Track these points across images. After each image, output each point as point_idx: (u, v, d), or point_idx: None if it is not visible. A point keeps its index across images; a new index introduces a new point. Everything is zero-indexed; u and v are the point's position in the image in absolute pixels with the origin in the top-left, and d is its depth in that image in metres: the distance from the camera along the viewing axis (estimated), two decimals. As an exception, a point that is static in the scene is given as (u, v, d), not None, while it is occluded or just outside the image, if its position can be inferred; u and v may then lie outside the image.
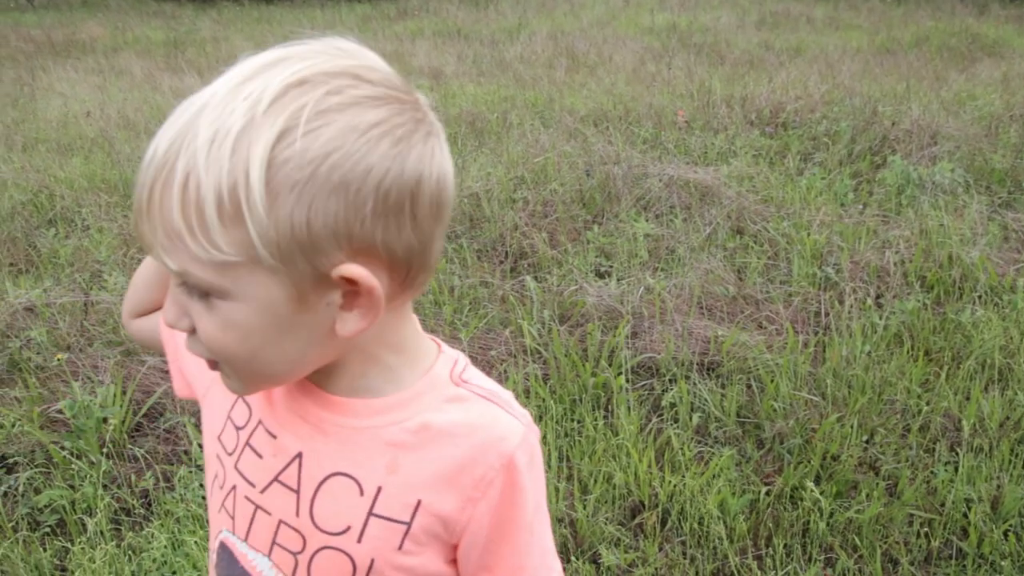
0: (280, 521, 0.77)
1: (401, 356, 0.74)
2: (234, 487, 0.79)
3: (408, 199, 0.62)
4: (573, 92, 6.65)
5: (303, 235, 0.60)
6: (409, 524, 0.73)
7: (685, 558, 2.17)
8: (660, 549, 2.20)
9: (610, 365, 2.86)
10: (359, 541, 0.74)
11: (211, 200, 0.58)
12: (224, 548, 0.81)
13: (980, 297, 3.37)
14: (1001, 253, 3.74)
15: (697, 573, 2.13)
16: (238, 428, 0.80)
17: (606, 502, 2.32)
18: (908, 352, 2.97)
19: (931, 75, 7.02)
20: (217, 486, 0.82)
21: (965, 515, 2.29)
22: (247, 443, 0.79)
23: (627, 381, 2.79)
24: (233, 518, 0.80)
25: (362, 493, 0.73)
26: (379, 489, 0.73)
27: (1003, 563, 2.13)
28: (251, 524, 0.78)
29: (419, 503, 0.73)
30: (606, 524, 2.23)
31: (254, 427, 0.79)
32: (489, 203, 4.13)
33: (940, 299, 3.38)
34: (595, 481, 2.36)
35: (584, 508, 2.26)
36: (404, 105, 0.64)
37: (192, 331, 0.67)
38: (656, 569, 2.12)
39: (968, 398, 2.74)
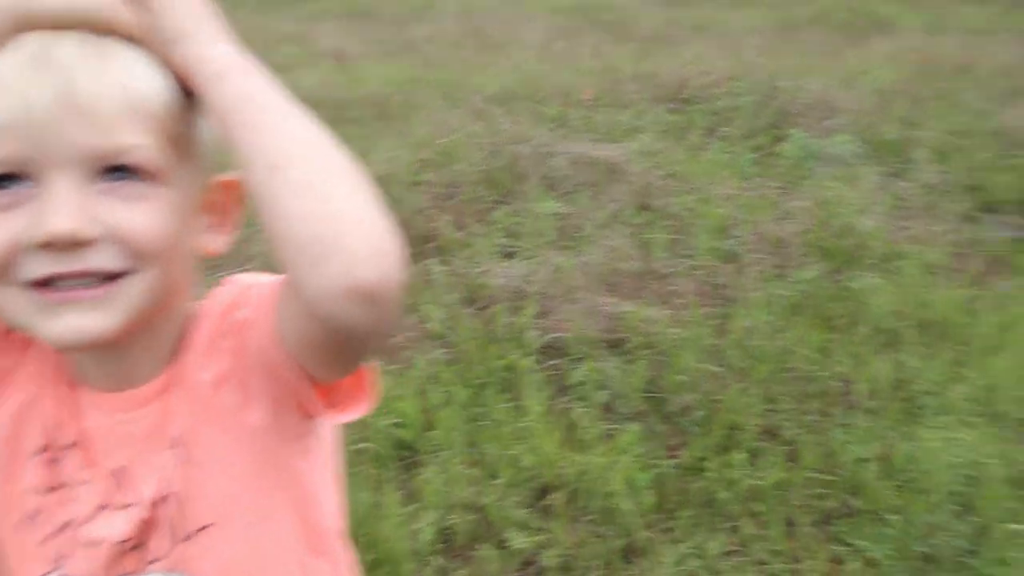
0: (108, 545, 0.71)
1: None
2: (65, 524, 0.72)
3: None
4: (481, 71, 6.58)
5: None
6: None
7: (594, 536, 2.17)
8: (568, 529, 2.20)
9: (519, 347, 2.85)
10: None
11: None
12: None
13: (874, 264, 3.48)
14: (892, 221, 3.87)
15: (607, 550, 2.14)
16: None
17: (514, 486, 2.30)
18: (807, 321, 3.05)
19: (829, 51, 7.22)
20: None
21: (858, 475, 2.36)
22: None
23: (536, 362, 2.78)
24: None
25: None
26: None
27: (892, 517, 2.20)
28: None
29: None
30: (515, 508, 2.22)
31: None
32: (392, 187, 4.05)
33: (839, 268, 3.48)
34: (503, 465, 2.35)
35: (492, 493, 2.24)
36: None
37: (93, 241, 0.59)
38: (565, 549, 2.12)
39: (862, 362, 2.83)
